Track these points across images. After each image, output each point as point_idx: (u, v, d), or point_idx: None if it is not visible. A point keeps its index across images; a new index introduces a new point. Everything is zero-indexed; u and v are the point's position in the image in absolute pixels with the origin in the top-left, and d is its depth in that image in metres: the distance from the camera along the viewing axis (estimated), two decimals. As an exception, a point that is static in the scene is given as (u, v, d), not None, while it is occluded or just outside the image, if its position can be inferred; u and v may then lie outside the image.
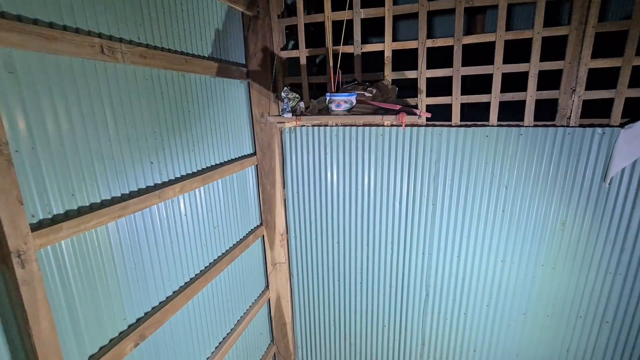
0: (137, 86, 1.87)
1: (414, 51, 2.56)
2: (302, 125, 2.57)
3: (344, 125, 2.69)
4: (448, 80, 2.56)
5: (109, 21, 1.70)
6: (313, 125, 2.75)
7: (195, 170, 2.37)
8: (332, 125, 2.73)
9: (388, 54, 2.63)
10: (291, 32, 3.18)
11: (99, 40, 1.61)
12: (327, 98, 2.15)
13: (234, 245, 2.94)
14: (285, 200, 3.31)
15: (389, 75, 2.65)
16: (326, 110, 2.18)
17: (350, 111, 2.13)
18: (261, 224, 3.36)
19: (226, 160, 2.75)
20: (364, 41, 2.68)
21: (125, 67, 1.79)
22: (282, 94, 2.18)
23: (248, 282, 3.21)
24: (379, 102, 2.05)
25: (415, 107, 2.26)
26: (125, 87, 1.81)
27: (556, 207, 2.50)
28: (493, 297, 2.80)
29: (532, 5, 2.31)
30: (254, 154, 3.14)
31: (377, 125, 2.62)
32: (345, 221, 3.14)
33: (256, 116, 3.03)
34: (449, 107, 2.59)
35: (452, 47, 2.49)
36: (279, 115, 2.17)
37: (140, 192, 1.90)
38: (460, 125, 2.59)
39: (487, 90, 2.51)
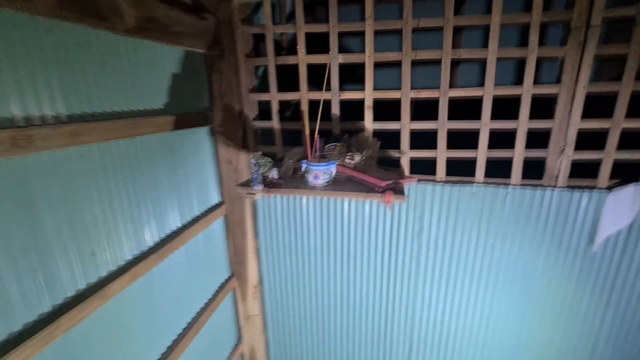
0: (68, 170, 1.53)
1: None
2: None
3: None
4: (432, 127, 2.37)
5: (24, 100, 1.34)
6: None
7: (151, 246, 2.04)
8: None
9: (369, 104, 2.40)
10: (264, 72, 2.87)
11: (10, 132, 1.25)
12: (304, 166, 1.90)
13: (201, 309, 2.65)
14: (258, 251, 3.03)
15: (370, 125, 2.43)
16: (302, 180, 1.92)
17: (329, 183, 1.89)
18: (232, 275, 3.07)
19: (189, 220, 2.43)
20: (343, 86, 2.43)
21: (52, 152, 1.44)
22: (252, 160, 1.90)
23: (219, 340, 2.93)
24: (362, 174, 1.83)
25: (402, 175, 2.06)
26: (53, 175, 1.46)
27: (542, 267, 2.41)
28: (477, 355, 2.70)
29: (522, 60, 2.16)
30: (222, 203, 2.83)
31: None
32: (324, 272, 2.92)
33: (222, 163, 2.72)
34: (433, 159, 2.41)
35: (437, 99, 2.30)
36: (247, 187, 1.89)
37: (77, 299, 1.57)
38: (446, 182, 2.42)
39: (473, 143, 2.35)
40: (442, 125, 2.32)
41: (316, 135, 1.92)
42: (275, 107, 2.56)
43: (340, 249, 2.78)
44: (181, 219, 2.35)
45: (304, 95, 2.43)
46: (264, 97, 2.58)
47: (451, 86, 2.25)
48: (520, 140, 2.25)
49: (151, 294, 2.05)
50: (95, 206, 1.66)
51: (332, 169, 1.88)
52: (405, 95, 2.31)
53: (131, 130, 1.81)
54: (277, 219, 2.83)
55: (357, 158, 1.94)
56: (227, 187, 2.79)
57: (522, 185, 2.32)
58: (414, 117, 2.37)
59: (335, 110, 2.46)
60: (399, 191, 1.77)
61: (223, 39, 2.41)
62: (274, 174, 1.94)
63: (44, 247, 1.44)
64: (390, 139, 2.52)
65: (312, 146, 1.96)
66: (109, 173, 1.73)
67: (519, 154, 2.28)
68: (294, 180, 2.05)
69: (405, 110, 2.35)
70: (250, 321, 3.22)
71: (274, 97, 2.53)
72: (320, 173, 1.84)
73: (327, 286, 2.94)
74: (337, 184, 1.93)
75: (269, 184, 1.92)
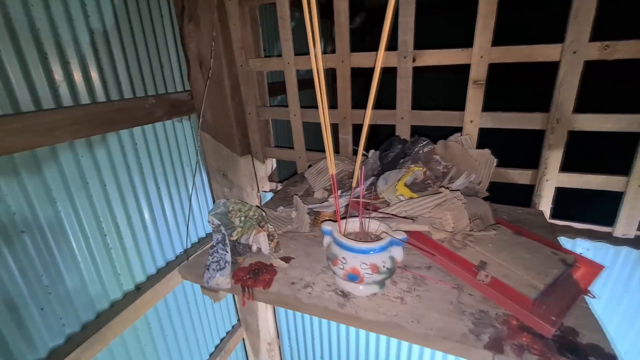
0: None
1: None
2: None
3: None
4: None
5: None
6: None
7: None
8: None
9: (478, 75, 1.14)
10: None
11: None
12: (325, 240, 0.79)
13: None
14: (273, 298, 2.06)
15: (477, 120, 1.19)
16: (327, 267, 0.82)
17: (382, 286, 0.77)
18: (239, 324, 2.18)
19: (162, 265, 1.52)
20: (421, 41, 1.19)
21: None
22: (211, 217, 0.84)
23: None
24: (489, 286, 0.67)
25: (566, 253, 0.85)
26: None
27: None
28: None
29: None
30: (218, 231, 1.87)
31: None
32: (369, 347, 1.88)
33: (213, 174, 1.71)
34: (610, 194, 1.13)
35: None
36: (199, 276, 0.85)
37: None
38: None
39: None
40: (660, 123, 1.00)
41: (358, 161, 0.76)
42: (292, 81, 1.42)
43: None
44: (144, 270, 1.44)
45: (343, 58, 1.25)
46: (272, 64, 1.45)
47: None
48: None
49: None
50: None
51: (398, 253, 0.74)
52: (579, 53, 1.01)
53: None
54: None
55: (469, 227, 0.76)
56: (223, 209, 1.80)
57: None
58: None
59: (405, 89, 1.24)
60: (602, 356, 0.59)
61: (193, -47, 1.28)
62: (261, 242, 0.87)
63: None
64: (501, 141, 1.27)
65: (352, 189, 0.82)
66: None
67: None
68: (314, 247, 0.95)
69: (570, 89, 1.05)
70: (266, 381, 2.36)
71: (291, 62, 1.38)
72: (363, 270, 0.71)
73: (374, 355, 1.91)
74: (408, 286, 0.80)
75: (247, 272, 0.85)
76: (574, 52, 1.00)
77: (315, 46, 0.68)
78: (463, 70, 1.17)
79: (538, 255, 0.84)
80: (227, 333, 2.12)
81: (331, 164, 0.70)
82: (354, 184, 0.73)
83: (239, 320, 2.20)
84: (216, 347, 2.02)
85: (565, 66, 1.02)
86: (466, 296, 0.75)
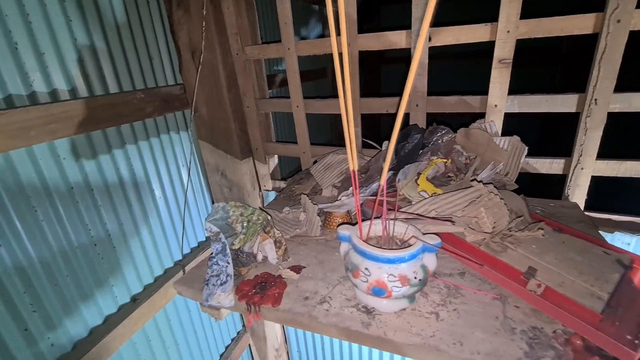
0: None
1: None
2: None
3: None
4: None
5: None
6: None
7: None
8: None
9: (504, 54, 1.01)
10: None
11: None
12: (342, 247, 0.67)
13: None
14: (280, 302, 1.95)
15: (502, 104, 1.06)
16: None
17: (413, 300, 0.65)
18: (244, 329, 2.08)
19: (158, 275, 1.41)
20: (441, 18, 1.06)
21: None
22: (208, 223, 0.73)
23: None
24: (545, 299, 0.55)
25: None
26: None
27: None
28: None
29: None
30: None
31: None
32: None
33: (210, 174, 1.59)
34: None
35: None
36: (197, 290, 0.74)
37: None
38: (690, 236, 1.01)
39: None
40: None
41: (389, 154, 0.63)
42: (294, 69, 1.30)
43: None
44: (141, 281, 1.32)
45: (343, 44, 1.13)
46: (271, 51, 1.32)
47: None
48: None
49: None
50: None
51: (430, 262, 0.63)
52: (625, 21, 0.88)
53: None
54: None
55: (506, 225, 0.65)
56: (223, 211, 1.68)
57: None
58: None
59: (420, 72, 1.12)
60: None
61: None
62: (267, 250, 0.75)
63: None
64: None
65: (377, 186, 0.70)
66: None
67: None
68: (327, 253, 0.84)
69: (612, 65, 0.93)
70: (275, 387, 2.26)
71: (291, 48, 1.26)
72: (391, 283, 0.60)
73: (389, 368, 1.81)
74: (442, 298, 0.68)
75: (253, 286, 0.74)
76: (618, 21, 0.87)
77: (340, 17, 0.56)
78: (471, 56, 1.05)
79: (589, 257, 0.72)
80: (232, 340, 2.01)
81: (354, 159, 0.58)
82: (382, 181, 0.61)
83: (244, 325, 2.10)
84: (221, 355, 1.92)
85: (606, 38, 0.90)
86: (512, 308, 0.64)
